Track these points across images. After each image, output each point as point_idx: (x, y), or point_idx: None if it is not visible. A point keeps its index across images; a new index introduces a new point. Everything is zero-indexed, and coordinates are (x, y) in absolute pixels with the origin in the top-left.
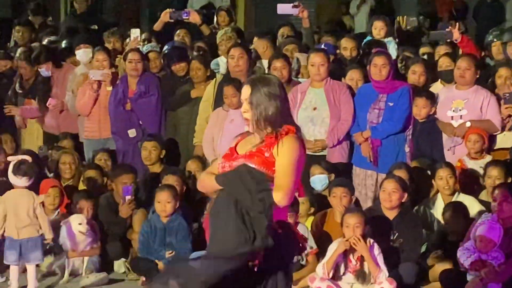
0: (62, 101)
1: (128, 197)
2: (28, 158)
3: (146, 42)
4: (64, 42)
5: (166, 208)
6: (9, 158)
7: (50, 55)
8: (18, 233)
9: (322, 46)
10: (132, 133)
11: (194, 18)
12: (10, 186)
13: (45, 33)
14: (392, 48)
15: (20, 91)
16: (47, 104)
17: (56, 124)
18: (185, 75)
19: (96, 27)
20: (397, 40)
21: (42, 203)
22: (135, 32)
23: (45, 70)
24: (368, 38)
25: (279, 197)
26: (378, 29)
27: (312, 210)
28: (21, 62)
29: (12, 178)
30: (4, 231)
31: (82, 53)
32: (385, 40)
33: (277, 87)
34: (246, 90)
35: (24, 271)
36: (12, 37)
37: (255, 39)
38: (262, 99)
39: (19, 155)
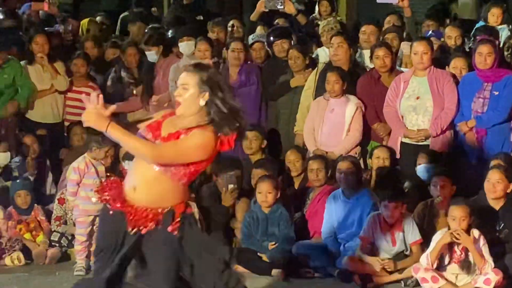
0: (165, 94)
1: (231, 186)
2: None
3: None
4: (170, 31)
5: (267, 199)
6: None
7: (160, 40)
8: None
9: (430, 33)
10: None
11: (289, 8)
12: None
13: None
14: (505, 36)
15: (132, 81)
16: (151, 102)
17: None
18: (286, 58)
19: (201, 17)
20: (511, 27)
21: None
22: (236, 23)
23: (154, 53)
24: (481, 23)
25: (150, 151)
26: (496, 15)
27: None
28: (130, 49)
29: (125, 165)
30: None
31: (185, 46)
32: (499, 27)
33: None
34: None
35: None
36: (117, 29)
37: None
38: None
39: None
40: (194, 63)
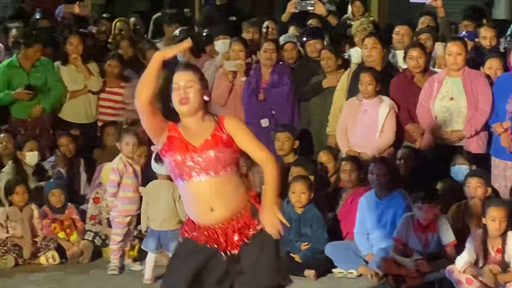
0: None
1: (264, 187)
2: None
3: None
4: (205, 31)
5: (300, 199)
6: (152, 148)
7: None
8: (159, 224)
9: (463, 34)
10: (264, 122)
11: (319, 9)
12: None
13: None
14: None
15: None
16: None
17: None
18: (318, 59)
19: (234, 18)
20: None
21: None
22: (270, 24)
23: (181, 56)
24: None
25: (273, 163)
26: None
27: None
28: (150, 52)
29: (154, 166)
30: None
31: (221, 44)
32: None
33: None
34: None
35: None
36: (150, 30)
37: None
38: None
39: None
40: (185, 62)
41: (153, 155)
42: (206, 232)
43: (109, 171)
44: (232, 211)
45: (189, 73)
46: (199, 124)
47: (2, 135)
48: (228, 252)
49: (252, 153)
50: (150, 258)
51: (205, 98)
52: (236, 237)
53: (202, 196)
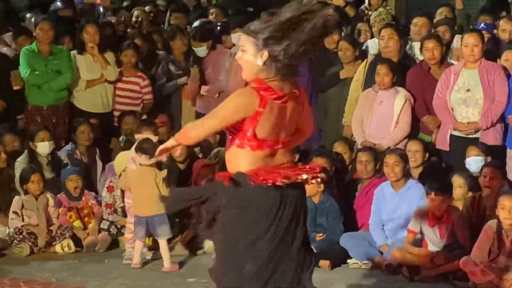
0: (215, 85)
1: None
2: (153, 138)
3: None
4: (219, 23)
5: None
6: (136, 136)
7: (207, 35)
8: (144, 210)
9: (482, 26)
10: None
11: (337, 0)
12: None
13: (195, 16)
14: None
15: (180, 72)
16: (201, 92)
17: (207, 104)
18: (336, 50)
19: (251, 9)
20: None
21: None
22: None
23: (205, 48)
24: None
25: (183, 130)
26: None
27: (470, 194)
28: (173, 42)
29: (134, 154)
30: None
31: (238, 37)
32: None
33: None
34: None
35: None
36: (166, 21)
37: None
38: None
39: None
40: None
41: (134, 145)
42: None
43: (122, 159)
44: None
45: (244, 38)
46: None
47: None
48: None
49: None
50: (138, 244)
51: (259, 62)
52: None
53: None
